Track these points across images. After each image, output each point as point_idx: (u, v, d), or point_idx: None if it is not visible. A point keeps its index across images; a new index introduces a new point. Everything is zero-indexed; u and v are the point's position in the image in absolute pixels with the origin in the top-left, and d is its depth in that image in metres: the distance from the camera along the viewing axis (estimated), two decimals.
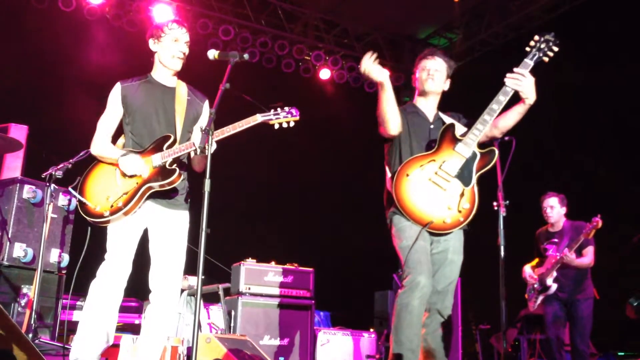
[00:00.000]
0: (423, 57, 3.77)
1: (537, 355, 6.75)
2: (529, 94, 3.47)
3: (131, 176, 3.25)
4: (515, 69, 3.50)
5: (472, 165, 3.48)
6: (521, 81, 3.45)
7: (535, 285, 5.48)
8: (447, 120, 3.72)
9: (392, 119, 3.51)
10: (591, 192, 7.10)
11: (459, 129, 3.61)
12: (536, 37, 3.56)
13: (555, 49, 3.55)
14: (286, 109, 3.23)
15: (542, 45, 3.55)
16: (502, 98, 3.49)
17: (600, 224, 5.14)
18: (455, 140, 3.52)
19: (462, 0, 8.75)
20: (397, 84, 10.28)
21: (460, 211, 3.45)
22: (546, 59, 3.56)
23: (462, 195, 3.46)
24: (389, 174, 3.67)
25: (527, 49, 3.57)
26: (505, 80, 3.49)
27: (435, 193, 3.45)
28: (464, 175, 3.46)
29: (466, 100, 9.70)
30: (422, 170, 3.48)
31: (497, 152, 3.52)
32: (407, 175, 3.47)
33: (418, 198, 3.44)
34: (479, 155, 3.50)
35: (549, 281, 5.34)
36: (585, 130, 7.67)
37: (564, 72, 7.75)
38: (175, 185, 3.26)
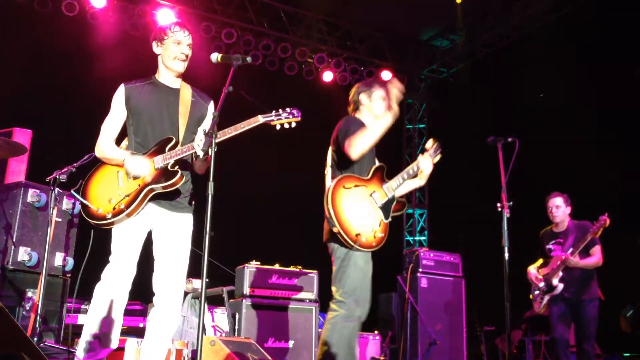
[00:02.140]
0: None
1: (542, 356, 6.74)
2: (425, 178, 4.10)
3: (134, 178, 3.26)
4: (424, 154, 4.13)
5: (390, 206, 3.89)
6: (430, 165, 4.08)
7: (541, 286, 5.46)
8: None
9: (367, 149, 3.79)
10: (595, 193, 7.09)
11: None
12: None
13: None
14: (287, 109, 3.21)
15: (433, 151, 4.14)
16: (412, 171, 4.02)
17: (607, 223, 5.13)
18: (383, 180, 3.92)
19: (464, 2, 8.76)
20: None
21: (375, 237, 3.74)
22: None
23: (380, 224, 3.79)
24: (329, 178, 3.92)
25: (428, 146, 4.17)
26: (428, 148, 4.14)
27: (366, 211, 3.77)
28: (385, 210, 3.85)
29: (470, 100, 9.73)
30: (357, 189, 3.79)
31: (407, 204, 4.06)
32: (344, 187, 3.74)
33: (351, 210, 3.71)
34: (395, 200, 3.93)
35: (555, 281, 5.32)
36: (588, 130, 7.66)
37: (566, 72, 7.76)
38: (178, 187, 3.25)
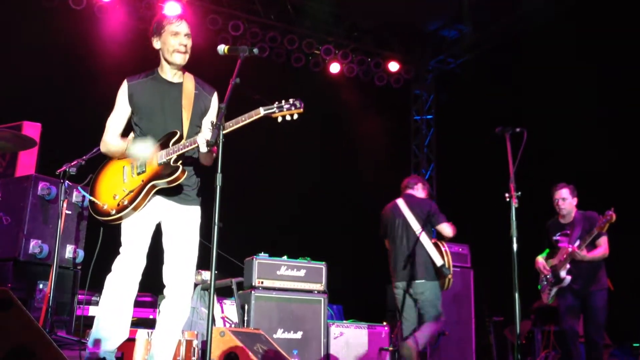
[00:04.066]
0: None
1: (551, 347, 6.73)
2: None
3: (139, 172, 3.25)
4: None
5: None
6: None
7: (549, 277, 5.45)
8: None
9: None
10: (604, 184, 7.06)
11: None
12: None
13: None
14: (290, 100, 3.13)
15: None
16: None
17: (614, 218, 5.08)
18: None
19: None
20: (407, 77, 10.25)
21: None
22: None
23: None
24: (425, 236, 5.34)
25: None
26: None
27: None
28: None
29: (478, 90, 9.66)
30: None
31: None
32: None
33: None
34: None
35: (563, 273, 5.30)
36: (597, 123, 7.61)
37: (573, 65, 7.70)
38: (181, 182, 3.24)
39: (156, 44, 3.39)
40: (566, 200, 5.44)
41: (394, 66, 10.01)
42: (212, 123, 2.99)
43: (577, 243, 5.25)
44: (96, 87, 7.10)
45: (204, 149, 3.09)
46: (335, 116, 9.55)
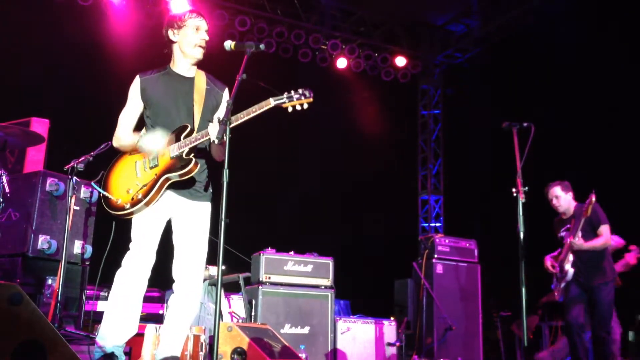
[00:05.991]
0: None
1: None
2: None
3: (152, 165, 3.27)
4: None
5: None
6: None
7: (558, 274, 5.41)
8: None
9: None
10: (615, 177, 7.02)
11: None
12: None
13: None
14: (300, 90, 3.14)
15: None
16: None
17: (593, 199, 5.05)
18: None
19: None
20: (414, 71, 10.22)
21: None
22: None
23: None
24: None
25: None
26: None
27: None
28: None
29: (485, 85, 9.61)
30: None
31: None
32: None
33: None
34: None
35: (567, 266, 5.27)
36: (607, 117, 7.57)
37: (582, 58, 7.65)
38: (194, 174, 3.27)
39: (174, 36, 3.39)
40: (560, 197, 5.41)
41: (401, 61, 9.98)
42: (218, 119, 3.00)
43: (574, 237, 5.20)
44: (104, 83, 7.13)
45: (217, 141, 3.09)
46: (342, 111, 9.55)
